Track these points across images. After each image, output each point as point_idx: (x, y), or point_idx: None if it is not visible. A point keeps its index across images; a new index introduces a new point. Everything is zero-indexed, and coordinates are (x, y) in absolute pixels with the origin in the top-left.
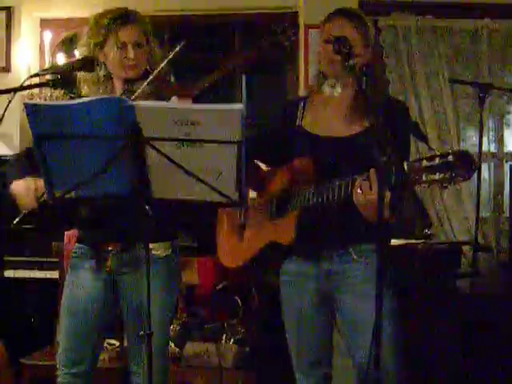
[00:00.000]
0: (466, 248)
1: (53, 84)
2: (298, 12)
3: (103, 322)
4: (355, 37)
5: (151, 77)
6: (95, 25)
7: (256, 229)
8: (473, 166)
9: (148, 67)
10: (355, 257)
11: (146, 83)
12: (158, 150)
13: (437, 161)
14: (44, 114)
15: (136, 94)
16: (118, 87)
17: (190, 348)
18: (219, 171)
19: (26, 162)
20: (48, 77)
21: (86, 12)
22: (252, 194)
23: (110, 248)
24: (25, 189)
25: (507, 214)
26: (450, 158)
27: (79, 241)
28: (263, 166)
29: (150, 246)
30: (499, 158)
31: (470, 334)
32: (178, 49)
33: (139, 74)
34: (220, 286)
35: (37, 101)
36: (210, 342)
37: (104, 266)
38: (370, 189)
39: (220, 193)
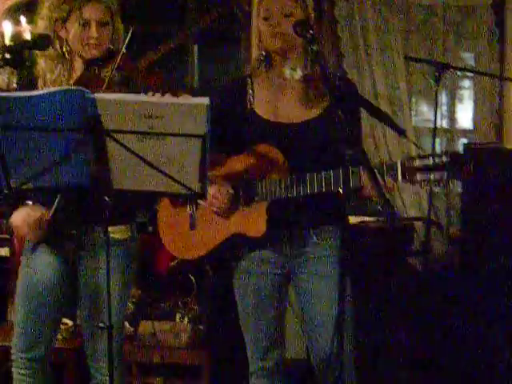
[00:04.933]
0: (417, 224)
1: (4, 64)
2: None
3: (61, 306)
4: (296, 9)
5: (115, 64)
6: None
7: (213, 220)
8: (466, 168)
9: (111, 46)
10: (315, 239)
11: (112, 70)
12: (119, 142)
13: (430, 161)
14: (2, 104)
15: (105, 85)
16: (78, 67)
17: (145, 327)
18: (182, 163)
19: None
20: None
21: None
22: None
23: (68, 231)
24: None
25: (458, 189)
26: (444, 158)
27: None
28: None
29: (109, 229)
30: (452, 133)
31: (422, 310)
32: (130, 32)
33: (101, 53)
34: (173, 263)
35: None
36: (164, 321)
37: (62, 250)
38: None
39: (182, 185)
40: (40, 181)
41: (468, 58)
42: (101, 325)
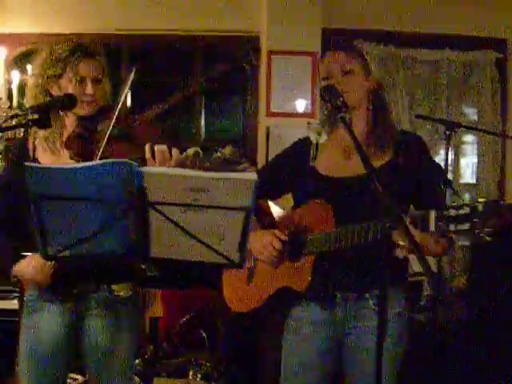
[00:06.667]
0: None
1: (32, 124)
2: (260, 37)
3: (67, 365)
4: (355, 66)
5: (115, 116)
6: (51, 55)
7: (267, 273)
8: (503, 217)
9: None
10: (371, 304)
11: (112, 124)
12: (163, 214)
13: (465, 210)
14: (46, 175)
15: (105, 138)
16: (70, 123)
17: None
18: (223, 234)
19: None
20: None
21: (41, 27)
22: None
23: (73, 290)
24: (34, 268)
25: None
26: (480, 207)
27: None
28: (275, 208)
29: (113, 287)
30: (455, 188)
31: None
32: (131, 79)
33: (96, 110)
34: (184, 319)
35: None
36: (177, 378)
37: (67, 309)
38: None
39: (222, 255)
40: (77, 249)
41: (471, 113)
42: None
